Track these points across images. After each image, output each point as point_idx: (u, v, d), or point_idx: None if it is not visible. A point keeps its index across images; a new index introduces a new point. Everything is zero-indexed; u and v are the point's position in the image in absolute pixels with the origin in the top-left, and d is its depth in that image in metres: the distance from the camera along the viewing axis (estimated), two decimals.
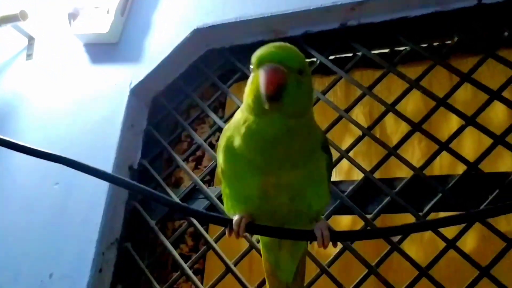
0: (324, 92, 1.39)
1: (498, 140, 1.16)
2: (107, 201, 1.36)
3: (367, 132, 1.29)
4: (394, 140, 1.38)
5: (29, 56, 1.69)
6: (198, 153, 1.57)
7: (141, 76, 1.51)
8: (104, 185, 1.37)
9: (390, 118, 1.43)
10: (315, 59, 1.46)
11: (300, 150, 0.71)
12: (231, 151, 0.73)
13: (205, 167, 1.53)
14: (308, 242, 0.86)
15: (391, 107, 1.29)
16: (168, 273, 1.42)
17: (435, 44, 1.40)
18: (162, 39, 1.55)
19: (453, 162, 1.28)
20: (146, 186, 1.38)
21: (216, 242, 1.30)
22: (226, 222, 0.76)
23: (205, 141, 1.46)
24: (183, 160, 1.47)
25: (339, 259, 1.18)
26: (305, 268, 0.91)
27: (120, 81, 1.53)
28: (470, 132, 1.27)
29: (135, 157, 1.50)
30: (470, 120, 1.20)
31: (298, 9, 1.42)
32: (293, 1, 1.42)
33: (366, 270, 1.14)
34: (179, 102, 1.57)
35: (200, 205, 1.39)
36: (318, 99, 1.38)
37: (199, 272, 1.44)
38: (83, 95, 1.56)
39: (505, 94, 1.21)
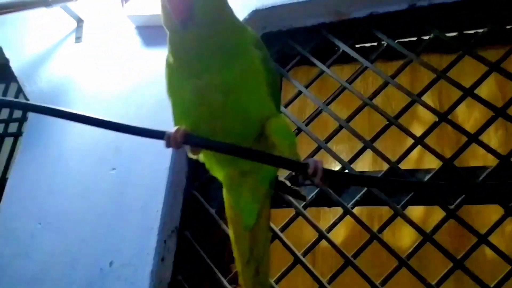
0: (393, 76, 1.33)
1: None
2: (167, 187, 1.30)
3: (443, 117, 1.22)
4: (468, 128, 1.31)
5: (78, 39, 1.64)
6: None
7: None
8: (163, 171, 1.32)
9: (461, 106, 1.36)
10: (383, 42, 1.39)
11: (223, 50, 0.71)
12: (168, 68, 0.76)
13: None
14: (270, 185, 0.82)
15: (469, 91, 1.22)
16: (227, 262, 1.37)
17: None
18: None
19: None
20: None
21: (282, 231, 1.25)
22: (161, 134, 0.73)
23: None
24: None
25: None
26: (270, 214, 0.86)
27: None
28: None
29: None
30: None
31: None
32: None
33: (451, 264, 1.07)
34: None
35: None
36: (387, 83, 1.32)
37: None
38: (136, 79, 1.51)
39: None
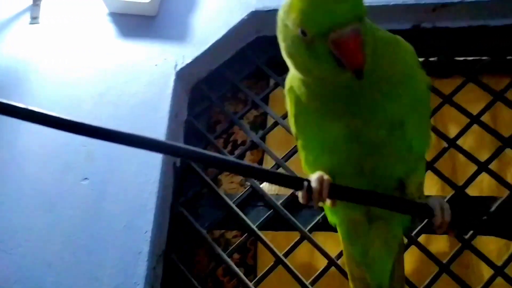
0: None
1: None
2: (157, 204, 1.13)
3: (452, 142, 1.20)
4: None
5: (34, 19, 1.38)
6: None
7: (188, 58, 1.29)
8: (151, 184, 1.14)
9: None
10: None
11: (388, 80, 0.59)
12: (298, 105, 0.63)
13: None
14: (404, 232, 0.70)
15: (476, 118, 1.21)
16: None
17: None
18: (212, 17, 1.34)
19: None
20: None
21: (286, 256, 1.14)
22: (299, 182, 0.59)
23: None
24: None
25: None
26: (404, 270, 0.71)
27: (160, 62, 1.29)
28: None
29: None
30: None
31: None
32: None
33: (492, 272, 1.04)
34: (223, 91, 1.37)
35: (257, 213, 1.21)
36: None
37: None
38: (112, 75, 1.29)
39: None
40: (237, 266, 1.23)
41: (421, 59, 1.30)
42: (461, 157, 1.23)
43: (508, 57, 1.31)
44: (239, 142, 1.47)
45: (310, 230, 1.15)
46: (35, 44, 1.36)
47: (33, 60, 1.33)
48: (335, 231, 1.07)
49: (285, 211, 1.16)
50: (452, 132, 1.26)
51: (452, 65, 1.30)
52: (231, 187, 1.45)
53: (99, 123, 1.21)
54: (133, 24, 1.35)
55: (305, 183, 0.59)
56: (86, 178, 1.17)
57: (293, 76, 0.63)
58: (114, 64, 1.31)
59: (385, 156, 0.60)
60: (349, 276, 0.71)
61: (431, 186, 1.29)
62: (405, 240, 0.70)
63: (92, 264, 1.07)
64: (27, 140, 1.22)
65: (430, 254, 1.08)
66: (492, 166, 1.17)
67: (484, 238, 1.19)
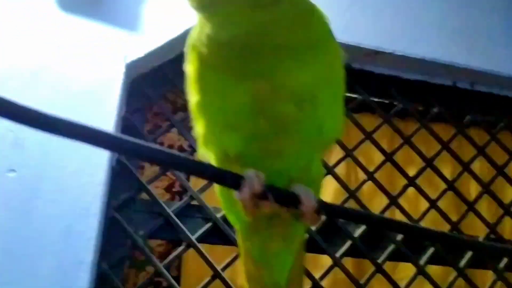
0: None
1: None
2: (102, 207, 1.02)
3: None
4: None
5: None
6: None
7: (139, 51, 1.19)
8: (96, 187, 1.02)
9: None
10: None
11: (300, 40, 0.52)
12: (198, 61, 0.55)
13: None
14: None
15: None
16: None
17: None
18: (171, 12, 1.26)
19: None
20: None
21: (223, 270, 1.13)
22: (236, 180, 0.51)
23: None
24: None
25: None
26: (303, 269, 0.70)
27: (108, 47, 1.16)
28: None
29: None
30: None
31: None
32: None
33: None
34: (164, 90, 1.30)
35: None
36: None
37: None
38: (49, 52, 1.11)
39: None
40: (160, 277, 1.19)
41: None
42: None
43: None
44: (175, 146, 1.41)
45: None
46: None
47: None
48: None
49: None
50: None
51: None
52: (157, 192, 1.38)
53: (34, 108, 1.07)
54: None
55: (246, 179, 0.51)
56: (12, 170, 0.99)
57: (196, 32, 0.55)
58: (53, 38, 1.13)
59: (293, 137, 0.54)
60: (244, 276, 0.65)
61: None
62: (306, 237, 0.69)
63: (22, 273, 0.91)
64: None
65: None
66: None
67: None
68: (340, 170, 1.34)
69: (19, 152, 1.01)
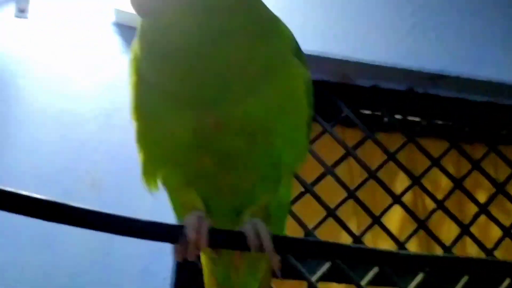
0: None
1: None
2: None
3: (441, 203, 1.31)
4: None
5: (21, 12, 1.18)
6: None
7: None
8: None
9: None
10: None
11: (250, 62, 0.44)
12: (137, 80, 0.47)
13: None
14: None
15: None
16: None
17: None
18: None
19: None
20: None
21: None
22: (174, 232, 0.46)
23: None
24: None
25: None
26: None
27: None
28: None
29: None
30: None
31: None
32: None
33: None
34: None
35: None
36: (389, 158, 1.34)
37: None
38: (117, 91, 1.17)
39: None
40: None
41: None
42: None
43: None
44: None
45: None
46: (22, 42, 1.17)
47: (21, 62, 1.14)
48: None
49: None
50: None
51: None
52: None
53: (104, 149, 1.10)
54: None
55: (186, 228, 0.45)
56: None
57: (138, 42, 0.48)
58: (121, 81, 1.18)
59: (245, 173, 0.48)
60: None
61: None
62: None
63: None
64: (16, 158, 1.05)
65: None
66: None
67: None
68: (407, 198, 1.31)
69: (97, 192, 1.05)
